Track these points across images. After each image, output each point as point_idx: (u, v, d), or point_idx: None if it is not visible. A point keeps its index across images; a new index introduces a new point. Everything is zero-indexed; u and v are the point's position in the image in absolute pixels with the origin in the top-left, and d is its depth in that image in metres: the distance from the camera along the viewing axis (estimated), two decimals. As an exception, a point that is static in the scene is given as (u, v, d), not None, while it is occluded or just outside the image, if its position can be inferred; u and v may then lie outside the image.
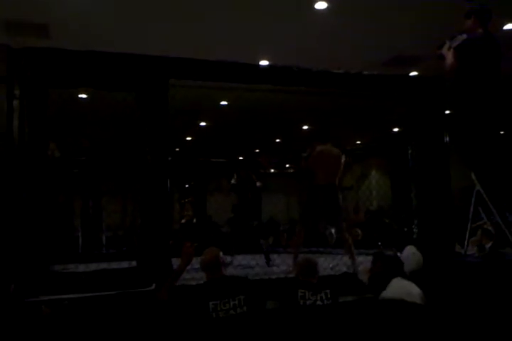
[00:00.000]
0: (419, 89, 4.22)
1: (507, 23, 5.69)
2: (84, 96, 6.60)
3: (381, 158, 11.05)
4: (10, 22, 5.32)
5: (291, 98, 5.80)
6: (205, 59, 3.65)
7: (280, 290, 3.08)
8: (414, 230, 4.13)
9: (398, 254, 3.57)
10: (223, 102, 8.19)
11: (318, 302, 2.94)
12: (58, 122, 3.56)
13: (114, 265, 3.85)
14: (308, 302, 2.93)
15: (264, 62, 6.46)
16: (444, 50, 3.70)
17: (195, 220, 12.92)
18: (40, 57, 3.17)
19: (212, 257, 2.94)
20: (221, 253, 2.98)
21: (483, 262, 4.01)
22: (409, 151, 4.26)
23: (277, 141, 11.56)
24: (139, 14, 5.25)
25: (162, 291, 2.82)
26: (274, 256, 5.51)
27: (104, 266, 3.91)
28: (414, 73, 6.98)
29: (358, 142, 11.79)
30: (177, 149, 9.92)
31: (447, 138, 4.19)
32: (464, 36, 3.67)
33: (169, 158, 3.46)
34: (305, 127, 10.33)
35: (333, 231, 10.01)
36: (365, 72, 4.14)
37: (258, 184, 5.72)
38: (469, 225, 4.06)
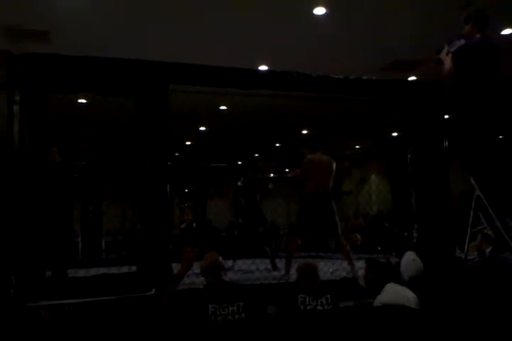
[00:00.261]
0: (418, 94, 4.24)
1: (505, 28, 5.72)
2: (83, 101, 6.61)
3: (380, 162, 11.07)
4: (11, 28, 5.35)
5: (290, 103, 5.82)
6: (205, 64, 3.67)
7: (280, 295, 3.08)
8: (414, 235, 4.13)
9: (396, 259, 3.57)
10: (222, 107, 8.20)
11: (319, 307, 2.94)
12: (58, 127, 3.57)
13: (114, 270, 3.85)
14: (308, 307, 2.93)
15: (263, 67, 6.48)
16: (443, 55, 3.71)
17: (194, 225, 12.90)
18: (41, 63, 3.19)
19: (212, 262, 2.93)
20: (221, 258, 2.98)
21: (483, 267, 4.01)
22: (409, 156, 4.27)
23: (277, 145, 11.58)
24: (138, 19, 5.27)
25: (162, 297, 2.82)
26: (276, 261, 5.52)
27: (104, 270, 3.91)
28: (412, 78, 7.01)
29: (357, 146, 11.81)
30: (176, 154, 9.92)
31: (446, 143, 4.20)
32: (462, 41, 3.69)
33: (169, 163, 3.47)
34: (304, 132, 10.35)
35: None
36: (364, 77, 4.16)
37: (270, 186, 5.76)
38: (469, 230, 4.06)
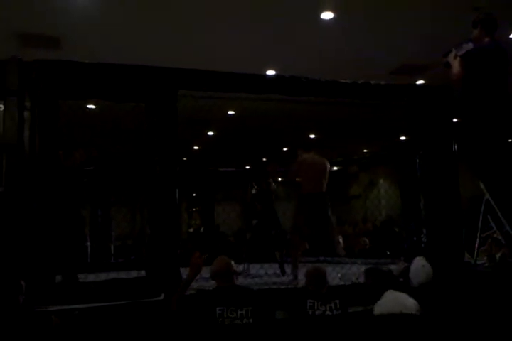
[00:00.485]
0: (426, 98, 4.23)
1: (514, 32, 5.70)
2: (93, 106, 6.66)
3: (389, 166, 11.04)
4: (21, 34, 5.41)
5: (298, 107, 5.82)
6: (213, 69, 3.69)
7: (289, 300, 3.07)
8: (423, 239, 4.11)
9: (405, 264, 3.54)
10: (231, 112, 8.23)
11: (328, 313, 2.93)
12: (67, 131, 3.60)
13: (123, 274, 3.86)
14: (317, 312, 2.92)
15: (271, 72, 6.50)
16: (450, 58, 3.70)
17: (202, 229, 12.91)
18: (51, 69, 3.22)
19: (223, 266, 2.93)
20: (232, 262, 2.97)
21: (493, 271, 3.98)
22: (417, 160, 4.25)
23: (285, 149, 11.57)
24: (148, 26, 5.31)
25: (172, 302, 2.82)
26: (284, 266, 5.51)
27: (113, 275, 3.92)
28: (420, 82, 7.00)
29: (366, 151, 11.78)
30: (184, 158, 9.95)
31: (455, 147, 4.19)
32: (471, 45, 3.68)
33: (178, 168, 3.49)
34: (312, 136, 10.34)
35: (340, 239, 9.95)
36: (372, 82, 4.16)
37: (273, 186, 5.78)
38: (479, 234, 4.03)
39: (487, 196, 3.76)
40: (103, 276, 4.02)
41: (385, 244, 9.03)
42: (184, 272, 3.09)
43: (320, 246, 5.90)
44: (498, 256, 4.61)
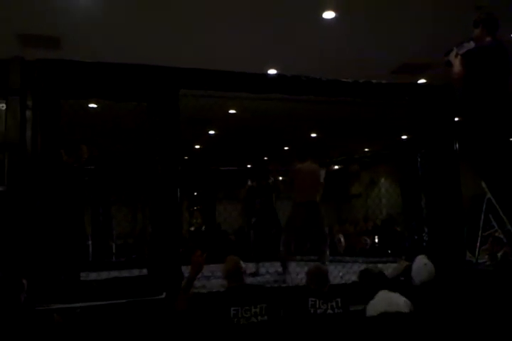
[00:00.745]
0: (428, 97, 4.23)
1: (515, 31, 5.68)
2: (94, 105, 6.66)
3: (390, 165, 11.04)
4: (22, 34, 5.41)
5: (299, 106, 5.82)
6: (214, 68, 3.69)
7: (291, 299, 3.08)
8: (425, 238, 4.11)
9: (406, 263, 3.55)
10: (232, 111, 8.23)
11: (329, 311, 2.93)
12: (68, 130, 3.61)
13: (125, 273, 3.87)
14: (319, 310, 2.92)
15: (272, 71, 6.50)
16: (451, 57, 3.70)
17: (203, 228, 12.93)
18: (53, 69, 3.23)
19: (234, 265, 2.96)
20: (241, 262, 3.00)
21: (495, 270, 3.98)
22: (419, 159, 4.25)
23: (286, 148, 11.58)
24: (148, 26, 5.32)
25: (180, 301, 2.82)
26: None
27: (115, 274, 3.93)
28: (422, 81, 6.99)
29: (367, 149, 11.78)
30: (186, 157, 9.96)
31: (457, 146, 4.19)
32: (472, 44, 3.68)
33: (179, 167, 3.49)
34: (313, 135, 10.34)
35: (342, 238, 9.97)
36: (374, 81, 4.16)
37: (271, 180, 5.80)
38: (480, 233, 4.03)
39: (489, 195, 3.76)
40: (105, 275, 4.04)
41: (387, 242, 9.04)
42: (186, 270, 3.10)
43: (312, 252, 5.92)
44: (499, 254, 4.60)
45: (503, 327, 2.97)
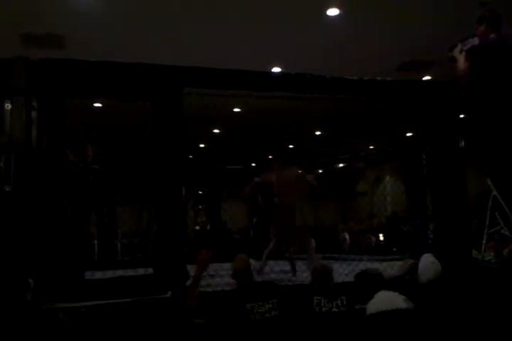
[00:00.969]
0: (433, 94, 4.20)
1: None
2: (99, 105, 6.68)
3: (395, 163, 11.01)
4: (26, 34, 5.43)
5: (304, 104, 5.82)
6: (218, 66, 3.69)
7: (296, 297, 3.08)
8: (430, 236, 4.10)
9: (411, 261, 3.54)
10: (236, 109, 8.23)
11: (334, 310, 2.93)
12: (73, 130, 3.62)
13: (131, 272, 3.88)
14: (323, 309, 2.92)
15: (276, 69, 6.49)
16: (456, 53, 3.68)
17: (209, 227, 12.94)
18: (58, 69, 3.23)
19: (244, 264, 3.01)
20: (251, 261, 3.06)
21: (501, 268, 3.97)
22: (424, 156, 4.24)
23: (290, 147, 11.57)
24: (151, 24, 5.32)
25: (190, 299, 2.85)
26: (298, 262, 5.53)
27: (120, 273, 3.93)
28: (427, 78, 6.96)
29: (372, 147, 11.75)
30: (190, 156, 9.97)
31: (462, 143, 4.17)
32: (476, 40, 3.66)
33: (184, 166, 3.49)
34: (318, 133, 10.33)
35: (347, 236, 9.96)
36: (379, 78, 4.14)
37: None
38: (486, 230, 4.02)
39: (494, 192, 3.74)
40: (110, 274, 4.05)
41: (392, 240, 9.03)
42: (191, 269, 3.11)
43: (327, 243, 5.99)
44: (505, 252, 4.59)
45: (508, 324, 2.96)
